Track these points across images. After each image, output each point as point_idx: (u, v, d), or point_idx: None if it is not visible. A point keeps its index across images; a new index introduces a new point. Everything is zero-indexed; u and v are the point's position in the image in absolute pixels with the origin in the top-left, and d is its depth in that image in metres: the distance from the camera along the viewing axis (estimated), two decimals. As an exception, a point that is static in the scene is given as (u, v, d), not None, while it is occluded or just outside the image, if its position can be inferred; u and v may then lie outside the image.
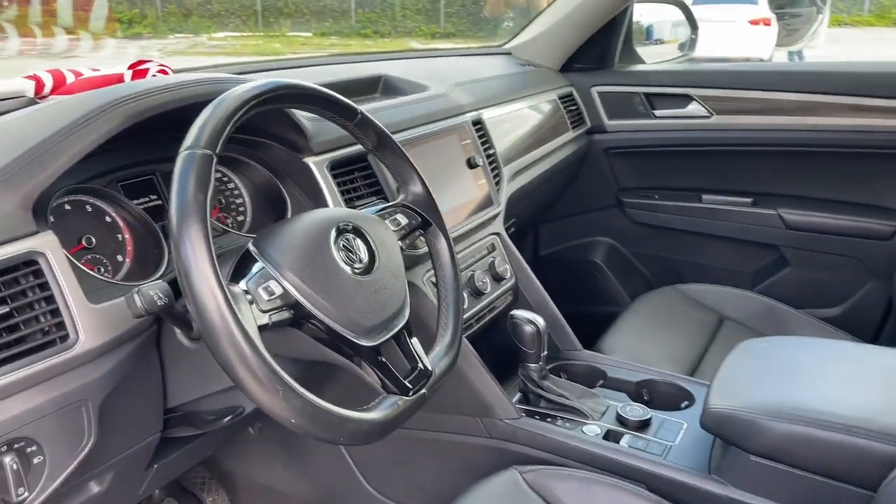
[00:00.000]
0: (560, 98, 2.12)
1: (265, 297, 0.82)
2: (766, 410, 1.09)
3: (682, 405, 1.38)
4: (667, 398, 1.41)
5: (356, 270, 0.91)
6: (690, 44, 2.55)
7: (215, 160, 0.80)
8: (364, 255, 0.93)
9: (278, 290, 0.83)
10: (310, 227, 0.91)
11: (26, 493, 0.82)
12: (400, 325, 0.94)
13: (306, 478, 1.55)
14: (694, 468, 1.19)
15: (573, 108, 2.19)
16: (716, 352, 1.70)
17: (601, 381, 1.47)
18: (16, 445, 0.81)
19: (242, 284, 0.82)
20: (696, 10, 2.65)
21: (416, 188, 1.09)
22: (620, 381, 1.45)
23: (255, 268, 0.85)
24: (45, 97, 1.12)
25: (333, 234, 0.91)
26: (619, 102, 2.23)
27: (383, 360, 0.90)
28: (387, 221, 1.03)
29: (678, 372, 1.53)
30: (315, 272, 0.86)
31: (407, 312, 0.96)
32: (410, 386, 0.91)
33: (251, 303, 0.80)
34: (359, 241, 0.94)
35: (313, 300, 0.85)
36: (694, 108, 2.14)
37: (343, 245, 0.91)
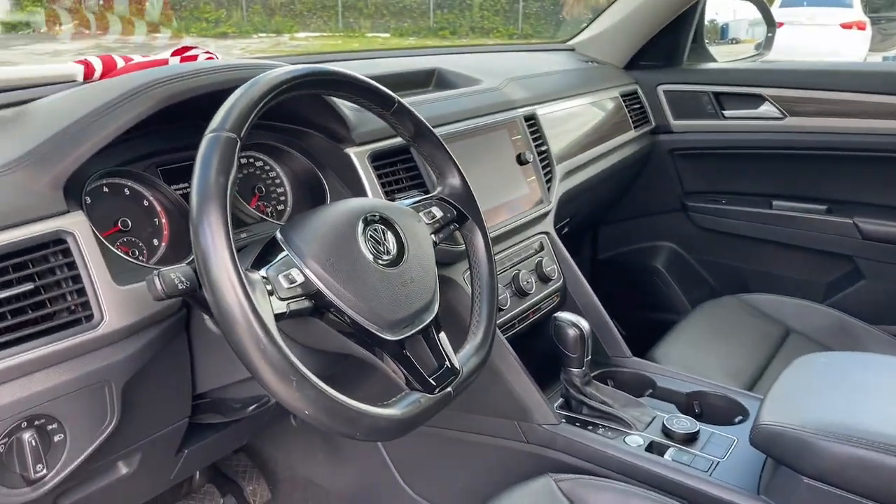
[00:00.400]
0: (623, 96, 2.05)
1: (285, 284, 0.80)
2: (821, 430, 1.01)
3: (736, 420, 1.30)
4: (719, 412, 1.33)
5: (382, 262, 0.88)
6: (766, 43, 2.44)
7: (239, 144, 0.78)
8: (392, 247, 0.91)
9: (300, 279, 0.82)
10: (337, 217, 0.89)
11: (45, 471, 0.82)
12: (428, 320, 0.91)
13: (344, 472, 1.53)
14: (741, 487, 1.11)
15: (637, 106, 2.11)
16: (778, 366, 1.60)
17: (650, 391, 1.41)
18: (36, 422, 0.81)
19: (262, 272, 0.81)
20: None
21: (454, 181, 1.06)
22: (670, 392, 1.38)
23: (279, 256, 0.84)
24: (94, 82, 1.14)
25: (361, 224, 0.89)
26: (687, 102, 2.15)
27: (408, 355, 0.87)
28: (421, 214, 1.00)
29: (736, 385, 1.45)
30: (338, 262, 0.84)
31: (436, 307, 0.93)
32: (435, 384, 0.88)
33: (270, 291, 0.79)
34: (388, 232, 0.91)
35: (334, 289, 0.83)
36: (766, 108, 2.04)
37: (371, 236, 0.89)
